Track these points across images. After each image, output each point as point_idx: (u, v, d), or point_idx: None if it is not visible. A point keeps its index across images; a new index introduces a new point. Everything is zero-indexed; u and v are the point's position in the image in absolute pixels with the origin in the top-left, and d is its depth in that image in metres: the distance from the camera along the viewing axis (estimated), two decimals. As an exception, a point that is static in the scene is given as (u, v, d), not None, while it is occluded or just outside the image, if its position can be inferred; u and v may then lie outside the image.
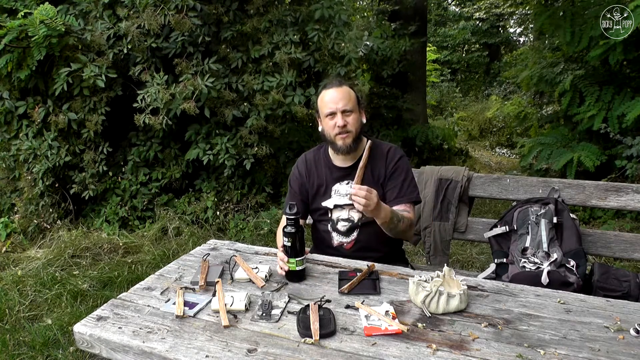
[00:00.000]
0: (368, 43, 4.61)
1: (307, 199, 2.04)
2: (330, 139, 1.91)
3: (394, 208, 1.87)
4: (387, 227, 1.80)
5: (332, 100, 1.85)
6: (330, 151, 2.00)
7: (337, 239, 2.00)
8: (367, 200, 1.64)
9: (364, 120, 1.94)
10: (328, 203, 1.96)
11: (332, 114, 1.87)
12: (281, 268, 1.67)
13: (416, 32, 7.12)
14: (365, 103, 2.07)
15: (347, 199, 1.92)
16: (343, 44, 4.35)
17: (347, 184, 1.96)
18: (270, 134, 4.50)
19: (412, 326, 1.36)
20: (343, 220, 1.97)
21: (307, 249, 1.78)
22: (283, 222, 1.93)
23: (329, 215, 2.00)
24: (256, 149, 4.36)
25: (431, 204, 2.49)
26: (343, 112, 1.85)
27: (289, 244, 1.63)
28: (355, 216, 1.95)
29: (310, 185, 2.02)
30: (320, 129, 1.98)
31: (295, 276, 1.65)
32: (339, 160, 1.98)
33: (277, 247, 1.87)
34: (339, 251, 1.98)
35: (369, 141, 1.95)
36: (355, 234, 1.97)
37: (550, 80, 5.17)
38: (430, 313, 1.42)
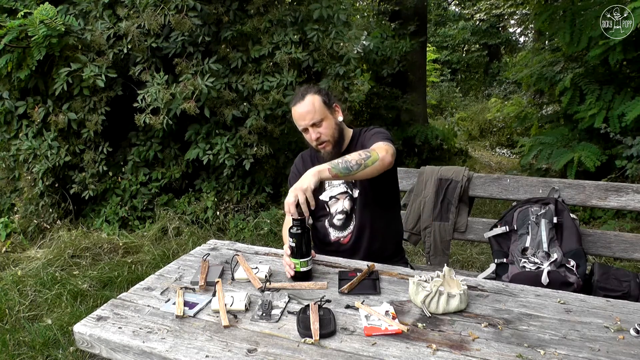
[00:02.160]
0: (365, 42, 4.62)
1: None
2: (314, 147, 1.96)
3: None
4: (346, 177, 1.72)
5: (300, 117, 1.89)
6: None
7: (333, 234, 2.02)
8: (294, 198, 1.55)
9: (340, 118, 1.95)
10: (324, 196, 2.00)
11: (305, 130, 1.91)
12: (288, 272, 1.67)
13: (416, 32, 7.12)
14: (336, 98, 2.07)
15: (339, 189, 1.98)
16: (342, 44, 4.35)
17: None
18: (270, 134, 4.50)
19: (412, 326, 1.36)
20: (339, 212, 2.00)
21: (313, 251, 1.77)
22: (287, 222, 1.93)
23: (327, 209, 2.02)
24: (255, 149, 4.36)
25: (431, 204, 2.49)
26: (313, 125, 1.88)
27: (294, 244, 1.63)
28: (347, 205, 1.98)
29: None
30: None
31: (300, 277, 1.65)
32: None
33: (277, 247, 1.86)
34: (336, 247, 2.00)
35: (352, 131, 2.00)
36: (350, 227, 1.99)
37: (550, 79, 5.17)
38: (430, 313, 1.42)
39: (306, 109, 1.86)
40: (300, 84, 4.37)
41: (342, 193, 1.99)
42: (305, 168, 2.05)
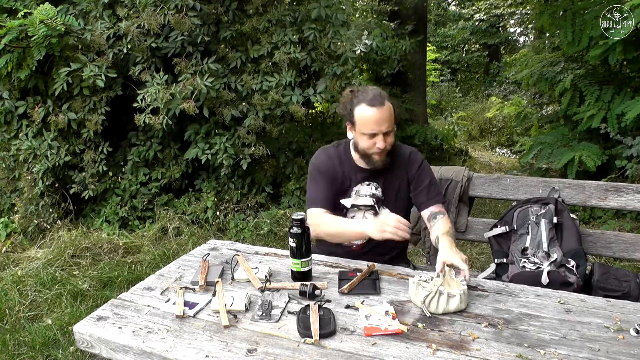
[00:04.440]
0: (367, 42, 4.60)
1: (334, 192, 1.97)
2: (364, 153, 1.85)
3: (430, 209, 1.88)
4: None
5: (376, 122, 1.76)
6: (353, 152, 1.94)
7: None
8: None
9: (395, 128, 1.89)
10: (346, 202, 1.94)
11: (373, 135, 1.79)
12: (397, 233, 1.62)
13: (416, 31, 7.12)
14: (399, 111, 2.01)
15: (365, 200, 1.92)
16: (340, 43, 4.35)
17: (368, 185, 1.93)
18: (268, 134, 4.50)
19: (412, 326, 1.36)
20: None
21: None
22: (319, 212, 1.83)
23: (344, 213, 1.96)
24: (253, 149, 4.36)
25: (431, 203, 2.48)
26: (385, 133, 1.78)
27: (294, 244, 1.62)
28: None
29: (335, 180, 1.95)
30: (350, 135, 1.90)
31: (300, 277, 1.65)
32: (362, 162, 1.93)
33: (277, 247, 1.86)
34: (346, 250, 1.96)
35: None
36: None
37: (550, 79, 5.17)
38: (430, 313, 1.42)
39: (386, 116, 1.76)
40: (299, 85, 4.37)
41: (367, 206, 1.93)
42: (333, 166, 1.93)
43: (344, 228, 1.80)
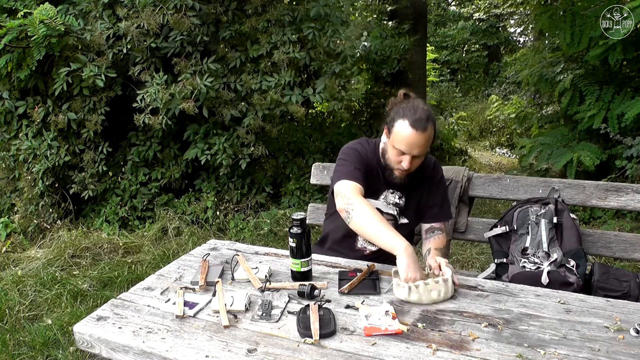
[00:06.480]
0: (366, 44, 4.61)
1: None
2: (388, 164, 1.83)
3: (432, 224, 1.93)
4: None
5: (409, 144, 1.72)
6: (381, 156, 1.90)
7: (361, 242, 1.96)
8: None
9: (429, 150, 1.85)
10: (372, 203, 1.87)
11: (401, 152, 1.76)
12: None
13: (416, 31, 7.12)
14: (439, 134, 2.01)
15: (389, 209, 1.91)
16: (339, 42, 4.34)
17: (392, 193, 1.92)
18: (267, 134, 4.50)
19: (412, 326, 1.36)
20: None
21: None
22: (357, 188, 1.74)
23: None
24: (252, 149, 4.36)
25: (431, 203, 2.48)
26: (414, 156, 1.76)
27: (294, 244, 1.62)
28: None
29: (370, 174, 1.90)
30: (383, 140, 1.85)
31: (300, 277, 1.65)
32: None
33: (277, 247, 1.85)
34: (358, 254, 1.95)
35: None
36: None
37: (550, 80, 5.17)
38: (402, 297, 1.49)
39: (423, 142, 1.73)
40: (299, 84, 4.36)
41: (389, 214, 1.91)
42: (372, 160, 1.89)
43: (377, 228, 1.63)
